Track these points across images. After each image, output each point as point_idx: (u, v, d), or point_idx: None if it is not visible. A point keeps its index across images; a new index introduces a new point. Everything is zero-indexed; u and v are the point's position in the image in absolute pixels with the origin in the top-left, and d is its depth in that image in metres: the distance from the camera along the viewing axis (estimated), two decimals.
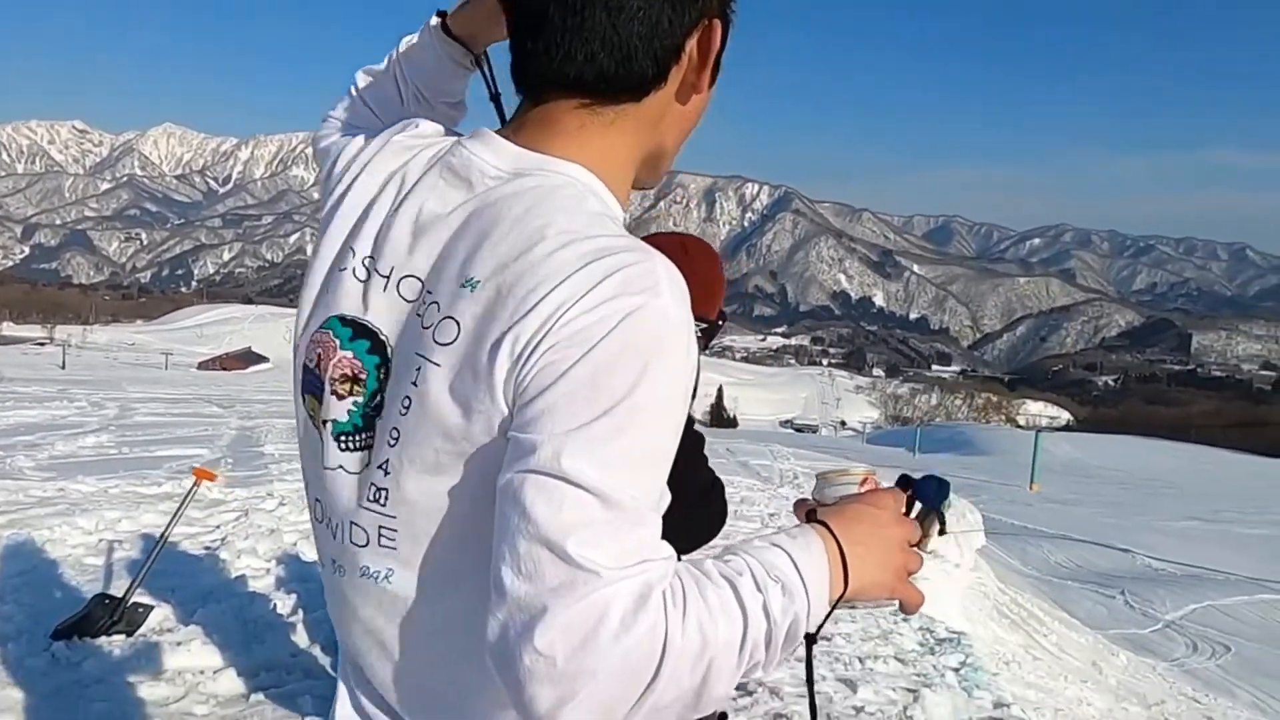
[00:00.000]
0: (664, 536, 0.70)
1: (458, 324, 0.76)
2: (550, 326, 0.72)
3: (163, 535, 4.16)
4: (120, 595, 3.97)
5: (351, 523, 0.86)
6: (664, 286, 0.74)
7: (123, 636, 3.84)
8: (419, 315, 0.80)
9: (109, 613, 3.86)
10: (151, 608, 4.03)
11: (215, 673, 3.63)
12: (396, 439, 0.80)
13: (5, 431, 10.27)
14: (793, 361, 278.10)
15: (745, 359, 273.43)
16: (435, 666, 0.85)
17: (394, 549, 0.83)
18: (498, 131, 0.87)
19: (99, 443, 9.88)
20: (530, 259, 0.75)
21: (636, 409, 0.70)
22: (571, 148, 0.83)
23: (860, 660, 4.70)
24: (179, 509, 4.27)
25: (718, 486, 1.63)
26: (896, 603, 0.85)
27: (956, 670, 4.87)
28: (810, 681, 0.91)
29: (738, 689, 4.49)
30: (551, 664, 0.65)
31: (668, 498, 0.77)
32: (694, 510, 1.52)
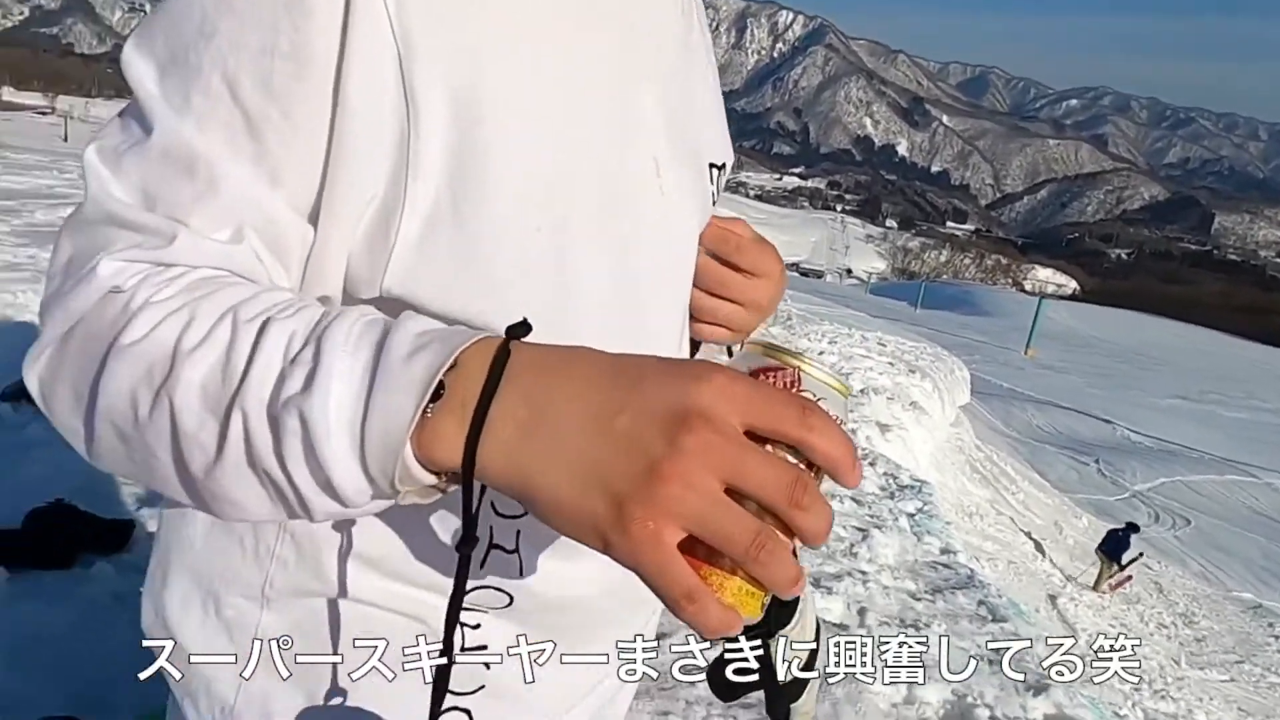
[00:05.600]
0: None
1: None
2: None
3: None
4: None
5: None
6: None
7: None
8: None
9: None
10: None
11: None
12: None
13: None
14: (806, 204, 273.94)
15: (759, 197, 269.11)
16: None
17: None
18: None
19: None
20: None
21: None
22: None
23: None
24: None
25: None
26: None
27: (911, 516, 4.91)
28: (451, 619, 0.48)
29: None
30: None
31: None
32: None
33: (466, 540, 0.46)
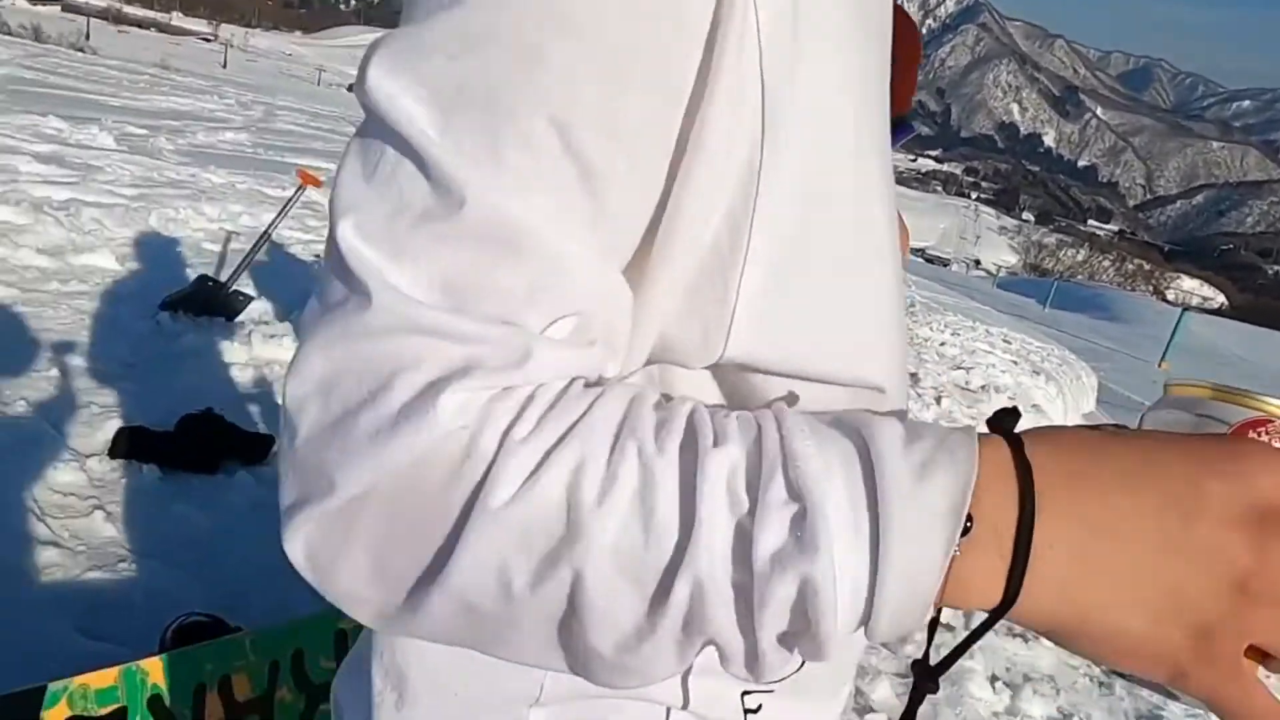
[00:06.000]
0: None
1: None
2: None
3: (265, 232, 4.24)
4: (224, 281, 4.11)
5: None
6: None
7: (222, 319, 4.01)
8: None
9: (213, 295, 4.02)
10: (252, 298, 4.17)
11: None
12: None
13: (154, 114, 10.66)
14: (939, 189, 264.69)
15: None
16: None
17: None
18: None
19: (238, 140, 10.16)
20: None
21: None
22: None
23: None
24: (284, 208, 4.32)
25: None
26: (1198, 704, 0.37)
27: None
28: None
29: None
30: (292, 432, 0.37)
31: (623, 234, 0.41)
32: None
33: (943, 668, 0.38)
